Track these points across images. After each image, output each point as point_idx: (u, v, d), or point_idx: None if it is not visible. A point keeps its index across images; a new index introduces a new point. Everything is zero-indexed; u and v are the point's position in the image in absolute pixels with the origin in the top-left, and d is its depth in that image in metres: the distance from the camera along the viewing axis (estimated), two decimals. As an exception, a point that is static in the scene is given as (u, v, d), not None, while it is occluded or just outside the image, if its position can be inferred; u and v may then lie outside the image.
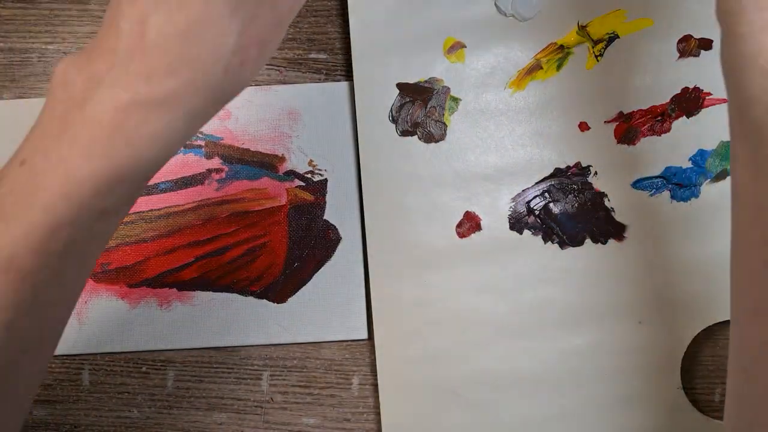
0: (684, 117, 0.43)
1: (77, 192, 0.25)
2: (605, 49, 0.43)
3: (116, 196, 0.26)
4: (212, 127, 0.44)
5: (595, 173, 0.43)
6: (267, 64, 0.45)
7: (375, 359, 0.43)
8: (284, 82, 0.45)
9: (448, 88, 0.44)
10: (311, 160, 0.44)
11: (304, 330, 0.44)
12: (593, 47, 0.43)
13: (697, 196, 0.43)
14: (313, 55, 0.45)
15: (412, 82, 0.44)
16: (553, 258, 0.43)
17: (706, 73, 0.43)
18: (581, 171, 0.44)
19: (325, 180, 0.44)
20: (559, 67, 0.43)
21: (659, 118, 0.43)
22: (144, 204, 0.44)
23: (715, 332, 0.44)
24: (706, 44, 0.43)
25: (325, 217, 0.44)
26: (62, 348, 0.43)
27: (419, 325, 0.43)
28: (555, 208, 0.43)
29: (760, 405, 0.28)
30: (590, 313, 0.43)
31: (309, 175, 0.44)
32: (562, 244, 0.43)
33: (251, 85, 0.44)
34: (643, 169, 0.43)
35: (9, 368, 0.27)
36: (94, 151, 0.25)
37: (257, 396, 0.44)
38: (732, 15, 0.26)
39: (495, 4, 0.43)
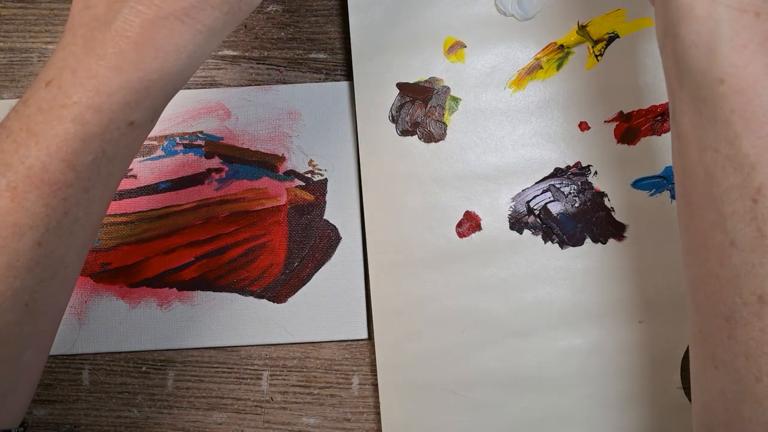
0: (684, 117, 0.43)
1: (107, 103, 0.26)
2: (605, 49, 0.43)
3: (144, 109, 0.28)
4: (212, 127, 0.44)
5: (595, 173, 0.43)
6: (267, 64, 0.45)
7: (375, 359, 0.43)
8: (284, 82, 0.45)
9: (448, 88, 0.44)
10: (311, 160, 0.44)
11: (304, 330, 0.44)
12: (593, 47, 0.43)
13: (697, 196, 0.43)
14: (313, 55, 0.45)
15: (412, 82, 0.44)
16: (553, 258, 0.43)
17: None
18: (581, 171, 0.44)
19: (325, 180, 0.44)
20: (559, 67, 0.43)
21: (659, 118, 0.43)
22: (144, 204, 0.44)
23: (715, 332, 0.44)
24: (706, 44, 0.43)
25: (325, 217, 0.44)
26: (62, 348, 0.43)
27: (419, 325, 0.43)
28: (555, 208, 0.43)
29: (712, 334, 0.28)
30: (590, 313, 0.43)
31: (309, 175, 0.44)
32: (562, 244, 0.43)
33: (251, 85, 0.44)
34: (643, 169, 0.43)
35: (37, 294, 0.28)
36: (124, 64, 0.26)
37: (257, 396, 0.44)
38: None
39: (495, 4, 0.43)
